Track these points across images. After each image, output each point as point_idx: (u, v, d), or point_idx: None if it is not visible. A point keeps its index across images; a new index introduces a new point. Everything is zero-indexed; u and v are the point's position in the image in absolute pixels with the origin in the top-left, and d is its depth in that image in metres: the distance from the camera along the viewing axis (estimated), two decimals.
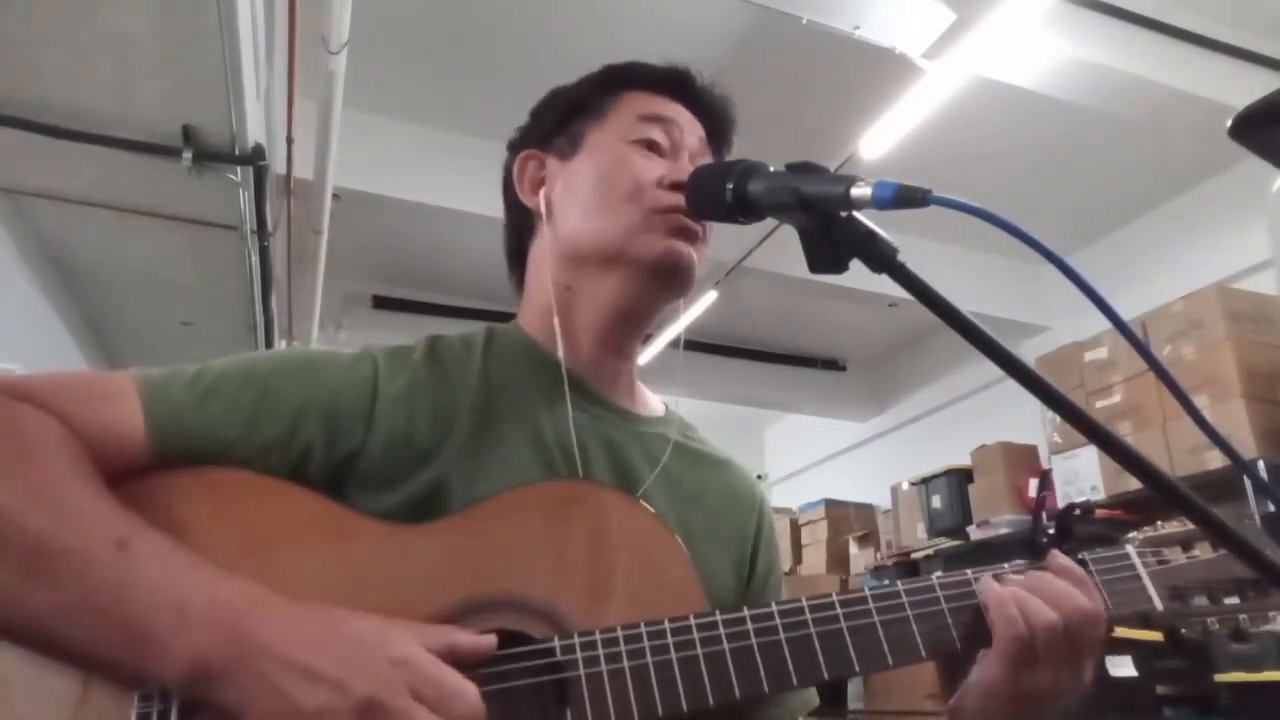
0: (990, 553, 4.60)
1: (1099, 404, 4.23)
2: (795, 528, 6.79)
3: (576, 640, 0.68)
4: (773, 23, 3.34)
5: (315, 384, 0.78)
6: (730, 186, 0.75)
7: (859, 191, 0.64)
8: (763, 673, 0.70)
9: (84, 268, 4.31)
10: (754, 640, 0.71)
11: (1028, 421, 4.85)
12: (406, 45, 3.86)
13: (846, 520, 6.55)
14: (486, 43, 3.83)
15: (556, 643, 0.68)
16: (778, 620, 0.72)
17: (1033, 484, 4.71)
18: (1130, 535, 0.88)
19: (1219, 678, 3.25)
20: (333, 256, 4.41)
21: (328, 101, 3.23)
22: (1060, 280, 0.59)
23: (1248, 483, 3.01)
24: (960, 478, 5.20)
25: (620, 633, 0.69)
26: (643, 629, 0.69)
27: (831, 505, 6.66)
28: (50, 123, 2.98)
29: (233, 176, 3.37)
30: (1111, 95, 3.63)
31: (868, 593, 0.75)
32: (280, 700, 0.58)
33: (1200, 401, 3.75)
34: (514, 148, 0.98)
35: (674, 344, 5.53)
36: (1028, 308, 5.56)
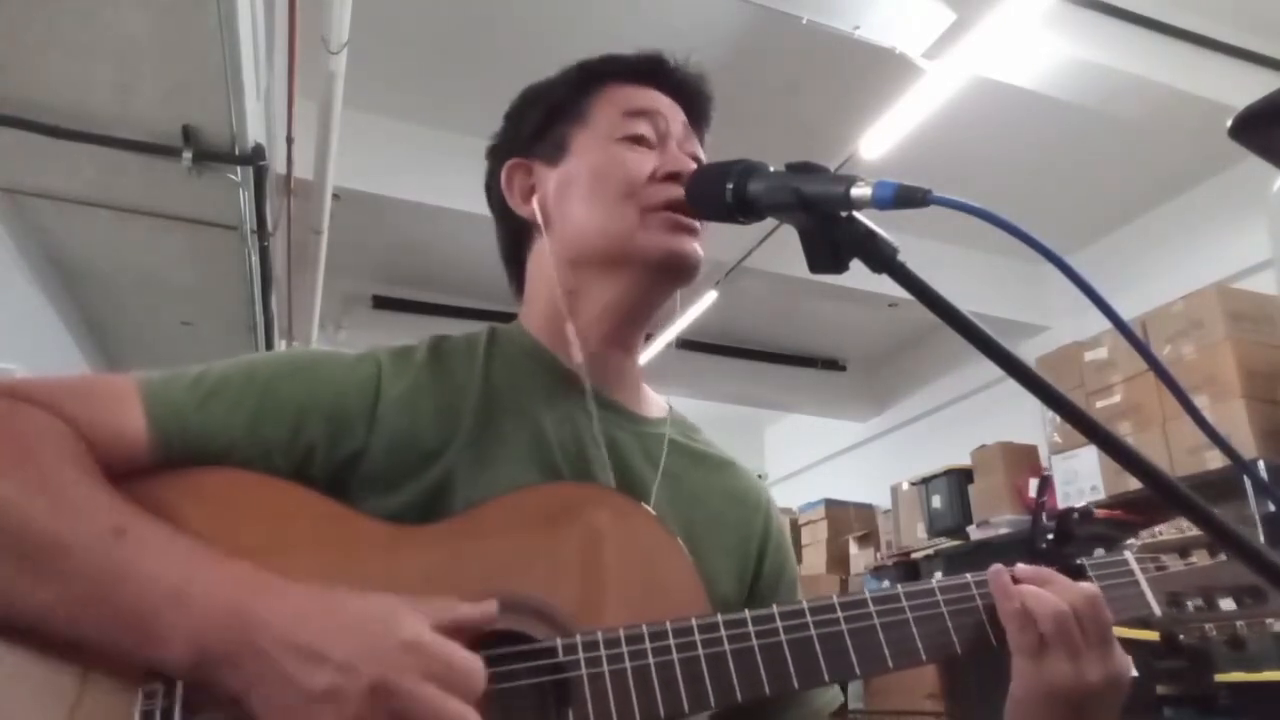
0: (990, 553, 4.59)
1: (1099, 404, 4.23)
2: (795, 528, 6.80)
3: (579, 641, 0.68)
4: (773, 23, 3.34)
5: (318, 385, 0.78)
6: (730, 186, 0.75)
7: (859, 191, 0.64)
8: (764, 675, 0.70)
9: (84, 268, 4.31)
10: (755, 642, 0.71)
11: (1028, 421, 4.85)
12: (406, 45, 3.86)
13: (846, 520, 6.56)
14: (487, 43, 3.83)
15: (559, 643, 0.68)
16: (779, 623, 0.72)
17: (1033, 484, 4.71)
18: (1129, 542, 0.88)
19: (1219, 678, 3.26)
20: (333, 256, 4.41)
21: (328, 101, 3.23)
22: (1060, 280, 0.59)
23: (1248, 483, 3.01)
24: (960, 478, 5.20)
25: (622, 633, 0.69)
26: (644, 630, 0.69)
27: (831, 505, 6.67)
28: (50, 123, 2.98)
29: (233, 176, 3.37)
30: (1111, 95, 3.63)
31: (868, 596, 0.76)
32: (286, 683, 0.58)
33: (1200, 401, 3.75)
34: (494, 155, 0.97)
35: (673, 344, 5.54)
36: (1028, 308, 5.56)
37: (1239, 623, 0.83)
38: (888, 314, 5.50)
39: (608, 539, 0.76)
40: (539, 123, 0.93)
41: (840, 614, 0.74)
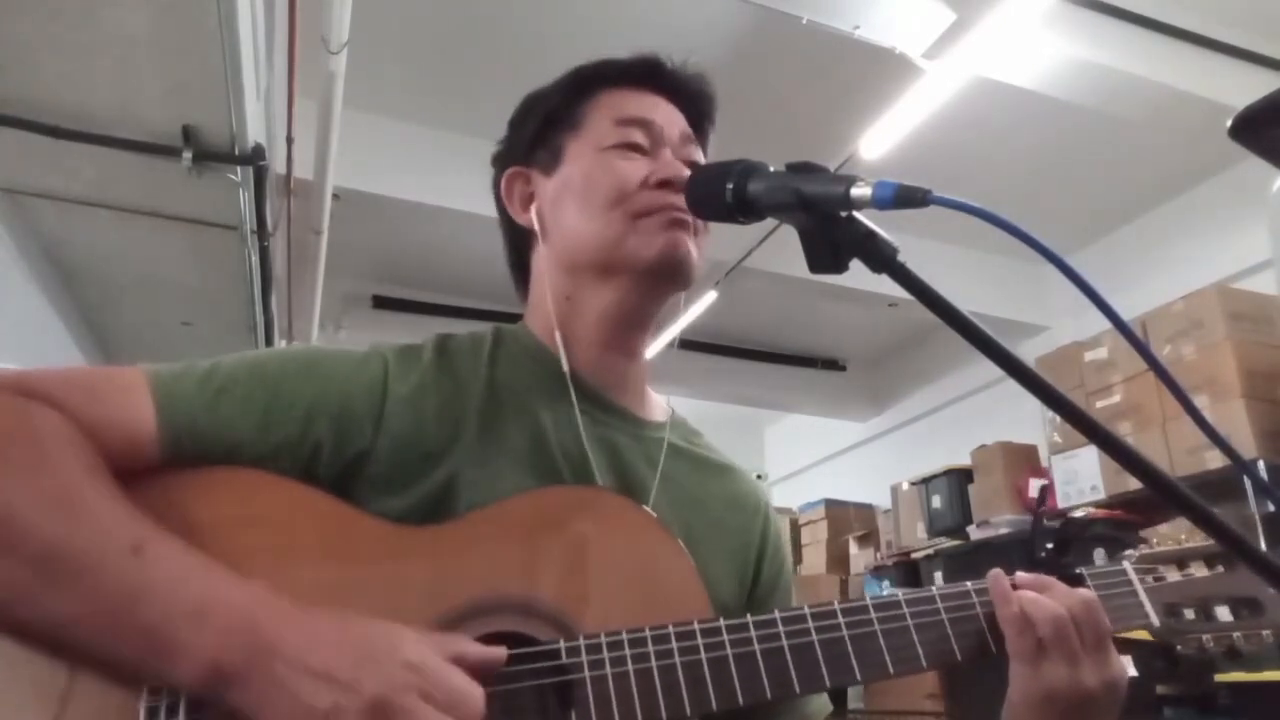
0: (990, 553, 4.59)
1: (1099, 404, 4.22)
2: (795, 528, 6.79)
3: (581, 643, 0.69)
4: (773, 23, 3.34)
5: (326, 384, 0.78)
6: (730, 186, 0.75)
7: (859, 191, 0.64)
8: (765, 679, 0.70)
9: (84, 268, 4.31)
10: (757, 646, 0.71)
11: (1028, 421, 4.85)
12: (406, 45, 3.86)
13: (846, 520, 6.55)
14: (487, 43, 3.83)
15: (561, 645, 0.68)
16: (781, 627, 0.73)
17: (1033, 484, 4.71)
18: (1127, 552, 0.88)
19: (1219, 678, 3.26)
20: (333, 256, 4.41)
21: (328, 101, 3.23)
22: (1060, 280, 0.59)
23: (1248, 483, 3.01)
24: (960, 478, 5.20)
25: (625, 636, 0.69)
26: (647, 633, 0.70)
27: (831, 505, 6.67)
28: (50, 123, 2.98)
29: (233, 176, 3.37)
30: (1111, 95, 3.63)
31: (869, 602, 0.76)
32: (293, 702, 0.59)
33: (1200, 401, 3.75)
34: (497, 162, 0.97)
35: (673, 344, 5.54)
36: (1028, 308, 5.56)
37: (1236, 634, 0.83)
38: (888, 314, 5.50)
39: (610, 541, 0.76)
40: (536, 131, 0.93)
41: (842, 619, 0.74)
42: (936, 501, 5.31)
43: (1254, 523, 3.29)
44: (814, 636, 0.73)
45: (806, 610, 0.74)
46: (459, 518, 0.75)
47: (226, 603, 0.62)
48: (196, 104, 2.98)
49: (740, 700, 0.69)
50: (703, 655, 0.70)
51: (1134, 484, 3.62)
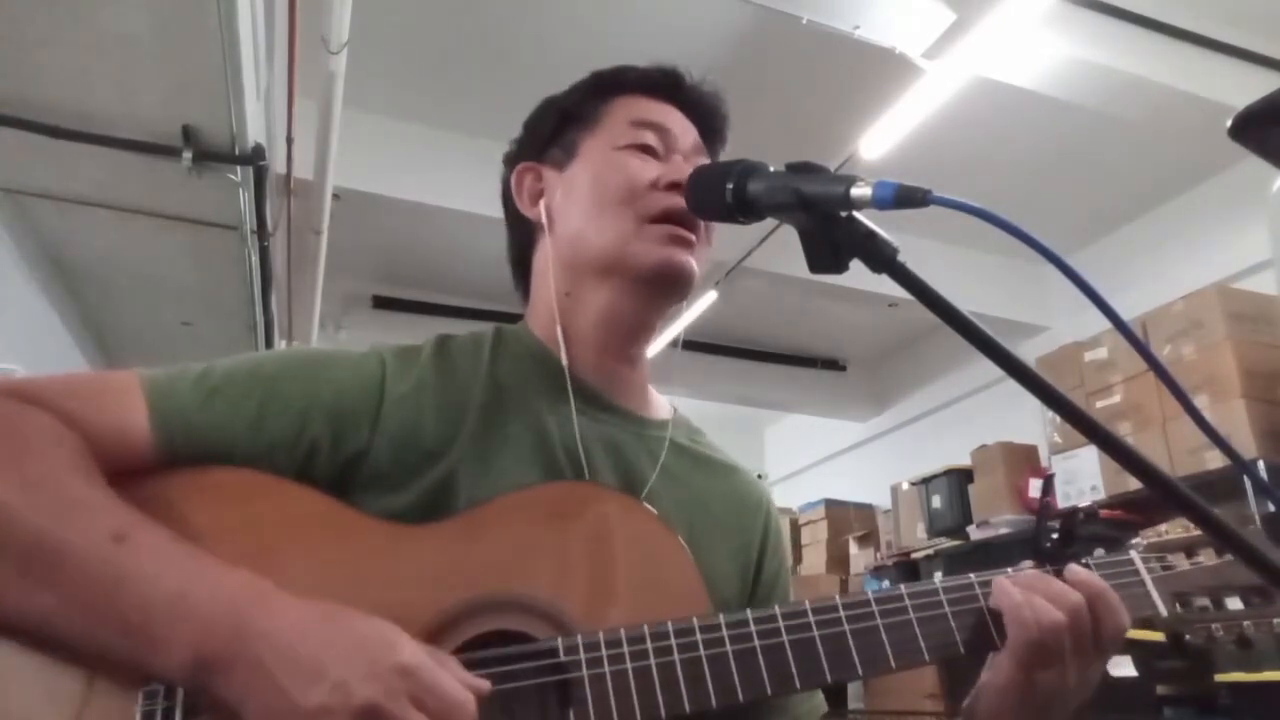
0: (990, 553, 4.60)
1: (1099, 404, 4.23)
2: (795, 528, 6.79)
3: (580, 641, 0.68)
4: (773, 23, 3.34)
5: (321, 383, 0.78)
6: (730, 186, 0.75)
7: (859, 191, 0.64)
8: (765, 675, 0.70)
9: (84, 268, 4.31)
10: (757, 643, 0.71)
11: (1028, 421, 4.85)
12: (406, 45, 3.86)
13: (846, 520, 6.55)
14: (486, 43, 3.83)
15: (560, 643, 0.68)
16: (781, 623, 0.72)
17: (1033, 484, 4.71)
18: (1134, 541, 0.88)
19: (1219, 678, 3.26)
20: (333, 256, 4.41)
21: (328, 101, 3.23)
22: (1060, 280, 0.59)
23: (1248, 483, 3.01)
24: (960, 478, 5.19)
25: (623, 634, 0.69)
26: (646, 631, 0.69)
27: (831, 505, 6.67)
28: (50, 123, 2.98)
29: (233, 176, 3.37)
30: (1111, 95, 3.63)
31: (870, 596, 0.76)
32: (279, 696, 0.58)
33: (1200, 401, 3.75)
34: (510, 161, 0.98)
35: (673, 344, 5.54)
36: (1028, 308, 5.56)
37: (1246, 622, 0.82)
38: (888, 314, 5.50)
39: (609, 538, 0.76)
40: (552, 128, 0.95)
41: (843, 614, 0.74)
42: (936, 501, 5.31)
43: (1254, 523, 3.28)
44: (815, 632, 0.72)
45: (807, 606, 0.74)
46: (456, 516, 0.75)
47: (211, 589, 0.61)
48: (196, 104, 2.98)
49: (740, 697, 0.69)
50: (702, 652, 0.69)
51: (1134, 484, 3.63)
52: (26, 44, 2.68)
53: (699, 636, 0.70)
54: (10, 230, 3.75)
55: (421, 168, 4.29)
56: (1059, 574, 0.78)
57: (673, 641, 0.69)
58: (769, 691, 0.70)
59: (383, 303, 5.84)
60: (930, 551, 5.27)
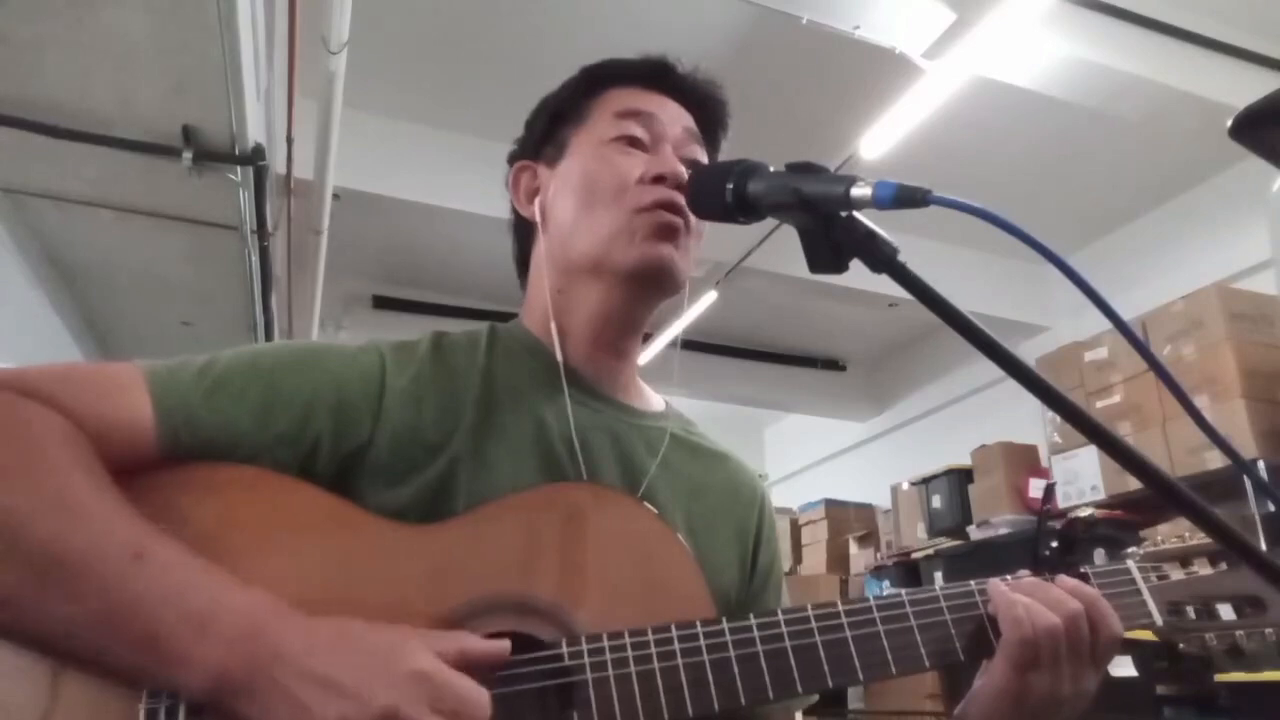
0: (990, 553, 4.59)
1: (1099, 404, 4.22)
2: (795, 528, 6.79)
3: (584, 645, 0.68)
4: (773, 23, 3.33)
5: (323, 377, 0.78)
6: (730, 186, 0.75)
7: (859, 191, 0.64)
8: (768, 679, 0.70)
9: (84, 268, 4.31)
10: (760, 647, 0.71)
11: (1028, 421, 4.85)
12: (406, 45, 3.86)
13: (846, 520, 6.55)
14: (487, 43, 3.83)
15: (564, 647, 0.68)
16: (784, 628, 0.72)
17: (1033, 484, 4.71)
18: (1130, 550, 0.88)
19: (1219, 678, 3.25)
20: (333, 256, 4.40)
21: (328, 101, 3.23)
22: (1060, 280, 0.59)
23: (1248, 483, 3.01)
24: (960, 478, 5.19)
25: (627, 638, 0.69)
26: (649, 634, 0.70)
27: (831, 505, 6.66)
28: (50, 123, 2.97)
29: (233, 176, 3.36)
30: (1111, 95, 3.63)
31: (872, 602, 0.76)
32: (299, 711, 0.59)
33: (1200, 401, 3.75)
34: (511, 160, 0.99)
35: (673, 344, 5.54)
36: (1028, 308, 5.56)
37: (1239, 632, 0.83)
38: (888, 314, 5.50)
39: (610, 538, 0.76)
40: (545, 126, 0.95)
41: (845, 619, 0.74)
42: (936, 501, 5.30)
43: (1254, 523, 3.29)
44: (817, 637, 0.73)
45: (809, 610, 0.74)
46: (459, 515, 0.75)
47: (230, 611, 0.61)
48: (196, 104, 2.98)
49: (743, 701, 0.69)
50: (705, 656, 0.70)
51: (1134, 484, 3.63)
52: (26, 44, 2.68)
53: (702, 640, 0.70)
54: (10, 230, 3.75)
55: (421, 168, 4.29)
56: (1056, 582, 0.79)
57: (676, 645, 0.70)
58: (771, 695, 0.70)
59: (383, 303, 5.84)
60: (930, 551, 5.27)
